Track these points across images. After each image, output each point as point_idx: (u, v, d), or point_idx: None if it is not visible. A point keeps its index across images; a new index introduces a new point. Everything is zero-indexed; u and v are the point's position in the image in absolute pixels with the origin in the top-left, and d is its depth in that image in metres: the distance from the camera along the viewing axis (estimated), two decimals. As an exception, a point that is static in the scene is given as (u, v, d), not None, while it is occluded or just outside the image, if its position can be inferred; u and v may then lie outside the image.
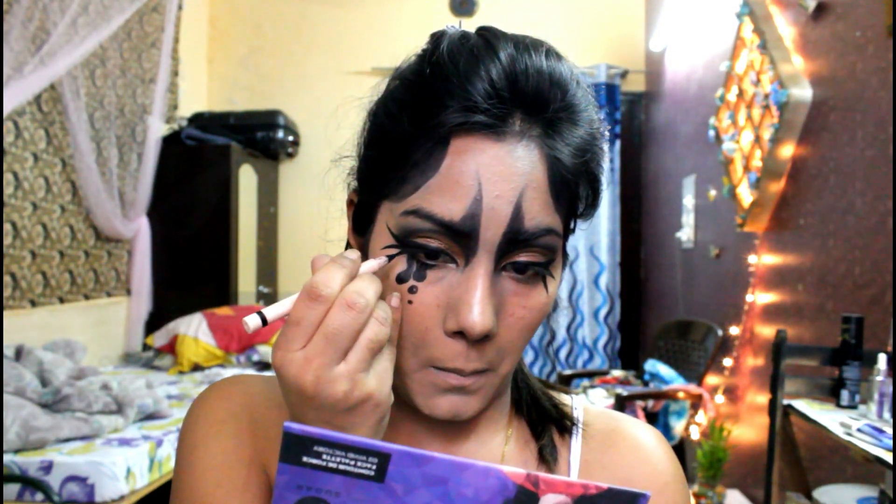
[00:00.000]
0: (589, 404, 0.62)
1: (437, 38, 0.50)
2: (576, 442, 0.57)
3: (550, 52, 0.49)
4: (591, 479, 0.55)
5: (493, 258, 0.46)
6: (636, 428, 0.59)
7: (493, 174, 0.45)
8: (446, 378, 0.48)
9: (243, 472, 0.53)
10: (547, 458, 0.56)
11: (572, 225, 0.53)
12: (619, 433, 0.58)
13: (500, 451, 0.57)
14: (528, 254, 0.47)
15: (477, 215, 0.45)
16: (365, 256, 0.52)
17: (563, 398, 0.61)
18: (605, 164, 0.55)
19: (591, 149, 0.50)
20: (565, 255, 0.54)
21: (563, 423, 0.58)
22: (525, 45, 0.48)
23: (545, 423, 0.58)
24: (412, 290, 0.47)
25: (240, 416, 0.55)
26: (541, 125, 0.47)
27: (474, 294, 0.45)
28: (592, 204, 0.52)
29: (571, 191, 0.49)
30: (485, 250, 0.46)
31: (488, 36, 0.48)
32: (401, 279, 0.47)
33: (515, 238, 0.46)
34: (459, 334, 0.46)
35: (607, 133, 0.52)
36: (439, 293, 0.47)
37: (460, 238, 0.46)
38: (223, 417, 0.55)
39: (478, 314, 0.45)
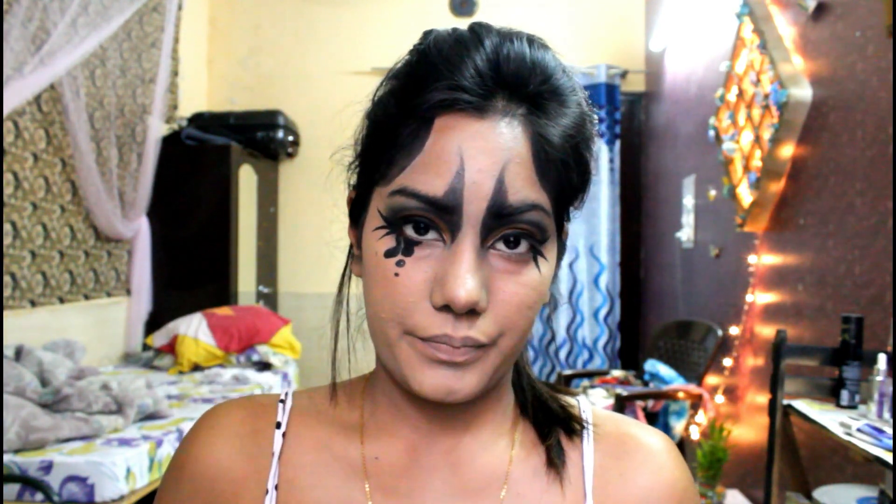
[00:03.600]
0: (595, 406, 0.61)
1: (427, 33, 0.51)
2: (588, 445, 0.57)
3: (534, 42, 0.50)
4: (607, 485, 0.55)
5: (479, 233, 0.46)
6: (648, 434, 0.58)
7: (476, 149, 0.46)
8: (435, 351, 0.47)
9: None
10: (555, 460, 0.55)
11: (568, 213, 0.52)
12: (632, 439, 0.58)
13: (508, 455, 0.56)
14: (518, 232, 0.48)
15: (459, 190, 0.46)
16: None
17: (570, 400, 0.60)
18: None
19: (580, 132, 0.49)
20: (562, 243, 0.53)
21: (571, 426, 0.57)
22: (510, 35, 0.49)
23: (552, 425, 0.57)
24: (399, 263, 0.48)
25: (206, 458, 0.56)
26: (526, 105, 0.47)
27: (459, 267, 0.46)
28: (583, 188, 0.52)
29: (559, 171, 0.48)
30: (469, 225, 0.46)
31: (475, 27, 0.50)
32: (389, 254, 0.48)
33: (500, 212, 0.46)
34: (447, 308, 0.46)
35: (596, 120, 0.52)
36: (426, 268, 0.47)
37: (445, 214, 0.46)
38: (185, 460, 0.57)
39: (461, 286, 0.45)
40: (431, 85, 0.47)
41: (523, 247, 0.48)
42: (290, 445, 0.56)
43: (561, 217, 0.51)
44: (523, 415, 0.58)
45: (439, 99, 0.46)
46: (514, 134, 0.46)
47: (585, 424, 0.57)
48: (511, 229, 0.47)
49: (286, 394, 0.59)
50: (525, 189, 0.46)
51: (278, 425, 0.56)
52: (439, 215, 0.46)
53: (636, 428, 0.59)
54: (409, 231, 0.48)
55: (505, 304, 0.48)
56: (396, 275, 0.48)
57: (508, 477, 0.55)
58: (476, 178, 0.45)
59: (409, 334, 0.48)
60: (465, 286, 0.45)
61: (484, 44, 0.47)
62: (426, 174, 0.46)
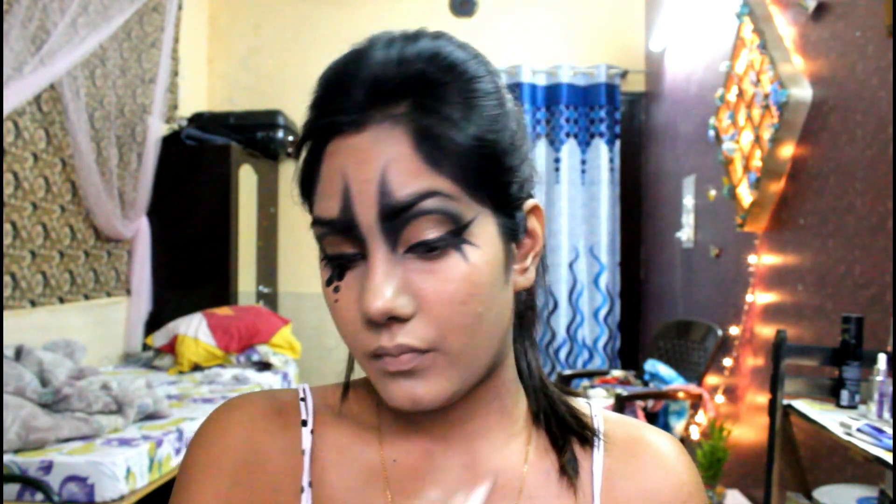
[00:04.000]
0: (608, 411, 0.61)
1: None
2: (598, 452, 0.57)
3: (419, 36, 0.50)
4: (614, 488, 0.55)
5: (385, 240, 0.47)
6: (658, 437, 0.59)
7: (356, 163, 0.47)
8: (383, 365, 0.48)
9: None
10: (569, 471, 0.55)
11: (505, 194, 0.50)
12: (640, 442, 0.58)
13: (522, 459, 0.56)
14: (426, 226, 0.46)
15: (349, 206, 0.47)
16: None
17: (582, 406, 0.60)
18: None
19: (477, 111, 0.48)
20: (512, 224, 0.51)
21: (584, 434, 0.57)
22: (392, 40, 0.49)
23: (566, 435, 0.57)
24: (336, 290, 0.49)
25: (240, 449, 0.54)
26: (406, 102, 0.47)
27: (370, 280, 0.46)
28: (498, 165, 0.49)
29: (458, 154, 0.47)
30: (371, 235, 0.47)
31: (360, 44, 0.50)
32: (328, 282, 0.50)
33: (392, 212, 0.46)
34: (373, 322, 0.47)
35: (499, 91, 0.51)
36: (356, 288, 0.48)
37: (348, 232, 0.47)
38: (218, 454, 0.54)
39: (371, 297, 0.46)
40: (317, 115, 0.49)
41: (439, 239, 0.46)
42: (317, 444, 0.56)
43: (500, 200, 0.49)
44: (536, 422, 0.58)
45: (321, 127, 0.48)
46: (393, 135, 0.46)
47: (597, 434, 0.57)
48: (417, 224, 0.46)
49: (303, 390, 0.59)
50: (413, 181, 0.46)
51: (304, 423, 0.56)
52: (345, 234, 0.47)
53: (646, 431, 0.59)
54: (337, 257, 0.49)
55: (433, 305, 0.47)
56: (336, 301, 0.49)
57: (524, 481, 0.55)
58: (361, 189, 0.46)
59: (365, 356, 0.49)
60: (377, 295, 0.45)
61: (358, 60, 0.48)
62: (324, 200, 0.48)
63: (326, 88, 0.49)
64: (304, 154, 0.51)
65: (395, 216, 0.46)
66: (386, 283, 0.46)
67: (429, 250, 0.47)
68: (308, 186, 0.51)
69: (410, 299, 0.47)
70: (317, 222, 0.49)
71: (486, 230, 0.48)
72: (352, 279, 0.48)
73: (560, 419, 0.57)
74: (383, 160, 0.46)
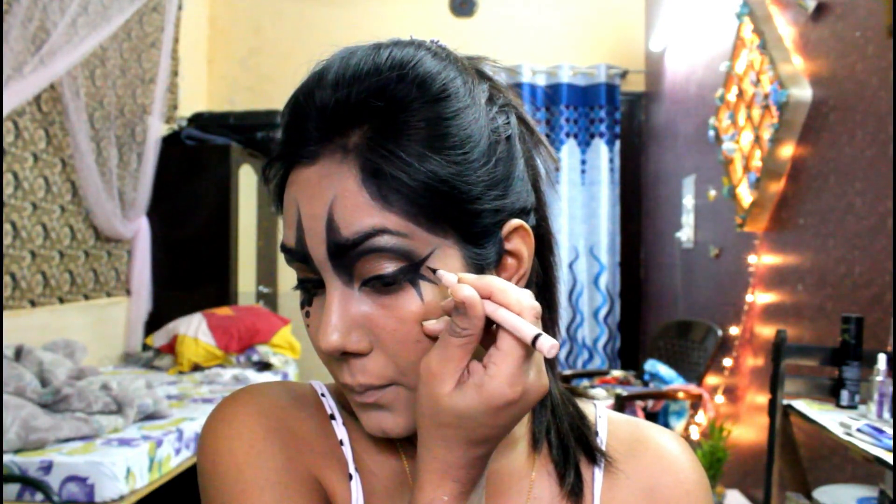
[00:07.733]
0: (613, 412, 0.61)
1: None
2: (599, 461, 0.57)
3: (376, 48, 0.48)
4: (614, 487, 0.56)
5: (337, 274, 0.46)
6: (661, 436, 0.59)
7: (307, 196, 0.47)
8: (353, 397, 0.49)
9: (303, 487, 0.51)
10: (574, 487, 0.55)
11: (473, 218, 0.47)
12: (643, 442, 0.58)
13: (530, 463, 0.56)
14: (378, 262, 0.45)
15: (302, 238, 0.47)
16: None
17: (588, 408, 0.60)
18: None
19: (440, 143, 0.45)
20: (487, 245, 0.48)
21: (589, 452, 0.57)
22: (342, 56, 0.48)
23: (571, 454, 0.56)
24: (307, 314, 0.50)
25: (280, 430, 0.52)
26: (359, 133, 0.46)
27: (324, 314, 0.47)
28: (472, 209, 0.46)
29: (411, 191, 0.44)
30: (324, 269, 0.47)
31: (316, 70, 0.49)
32: (301, 305, 0.51)
33: (339, 251, 0.45)
34: (331, 355, 0.48)
35: (483, 117, 0.48)
36: (320, 316, 0.48)
37: (305, 262, 0.48)
38: (263, 434, 0.51)
39: (322, 335, 0.46)
40: (281, 143, 0.49)
41: (394, 274, 0.45)
42: (351, 436, 0.55)
43: (465, 232, 0.46)
44: (538, 439, 0.57)
45: (282, 157, 0.49)
46: (340, 170, 0.45)
47: (604, 454, 0.57)
48: (369, 260, 0.45)
49: (320, 386, 0.58)
50: (359, 219, 0.44)
51: (332, 417, 0.56)
52: (304, 263, 0.48)
53: (649, 431, 0.59)
54: (304, 281, 0.50)
55: (389, 344, 0.47)
56: (308, 325, 0.50)
57: (532, 481, 0.56)
58: (310, 225, 0.46)
59: (337, 381, 0.50)
60: (327, 332, 0.46)
61: (315, 85, 0.47)
62: (286, 227, 0.49)
63: (289, 116, 0.49)
64: (274, 175, 0.51)
65: (344, 253, 0.45)
66: (338, 319, 0.46)
67: (385, 284, 0.46)
68: (278, 208, 0.51)
69: (365, 335, 0.47)
70: (282, 248, 0.49)
71: (447, 263, 0.46)
72: (318, 306, 0.49)
73: (565, 446, 0.56)
74: (330, 196, 0.45)
